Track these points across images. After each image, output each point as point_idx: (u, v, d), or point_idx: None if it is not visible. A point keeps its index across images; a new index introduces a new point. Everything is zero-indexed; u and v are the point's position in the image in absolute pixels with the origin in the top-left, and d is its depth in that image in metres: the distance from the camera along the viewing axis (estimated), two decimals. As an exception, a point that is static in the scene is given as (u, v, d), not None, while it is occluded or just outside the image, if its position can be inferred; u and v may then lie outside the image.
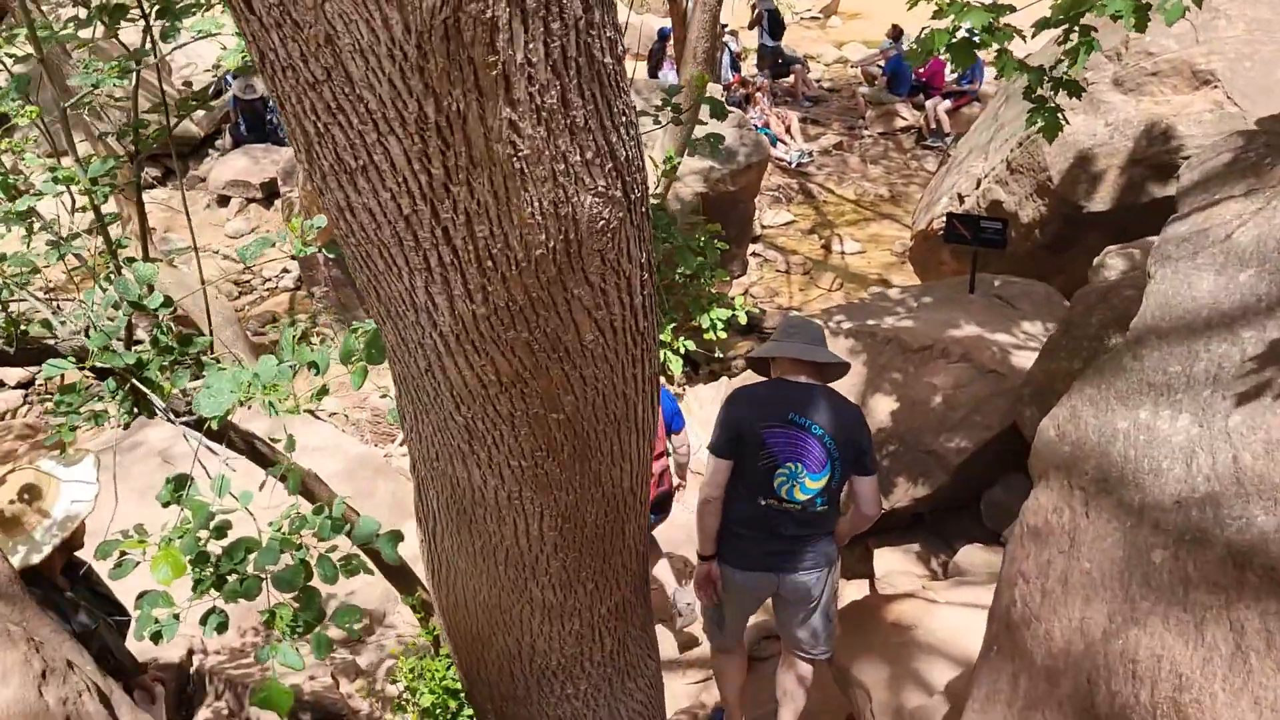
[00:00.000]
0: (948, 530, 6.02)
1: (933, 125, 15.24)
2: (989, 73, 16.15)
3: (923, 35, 4.04)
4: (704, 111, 9.10)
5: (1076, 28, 3.92)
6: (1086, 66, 4.62)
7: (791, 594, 3.66)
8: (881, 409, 5.80)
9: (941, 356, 5.78)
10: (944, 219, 7.98)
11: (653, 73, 15.02)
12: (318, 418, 8.31)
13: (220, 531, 2.89)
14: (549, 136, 1.56)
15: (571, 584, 2.54)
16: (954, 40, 4.00)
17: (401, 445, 7.92)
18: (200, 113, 14.76)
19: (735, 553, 3.62)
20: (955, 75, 15.67)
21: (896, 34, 16.66)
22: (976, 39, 3.94)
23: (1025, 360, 5.75)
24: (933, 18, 4.01)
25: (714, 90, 9.11)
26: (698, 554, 3.74)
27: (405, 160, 1.55)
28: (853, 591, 5.77)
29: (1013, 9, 3.91)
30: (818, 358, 3.57)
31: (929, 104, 15.29)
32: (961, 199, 7.58)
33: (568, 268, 1.77)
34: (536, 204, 1.63)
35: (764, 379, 3.75)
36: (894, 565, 5.82)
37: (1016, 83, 8.61)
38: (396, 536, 3.08)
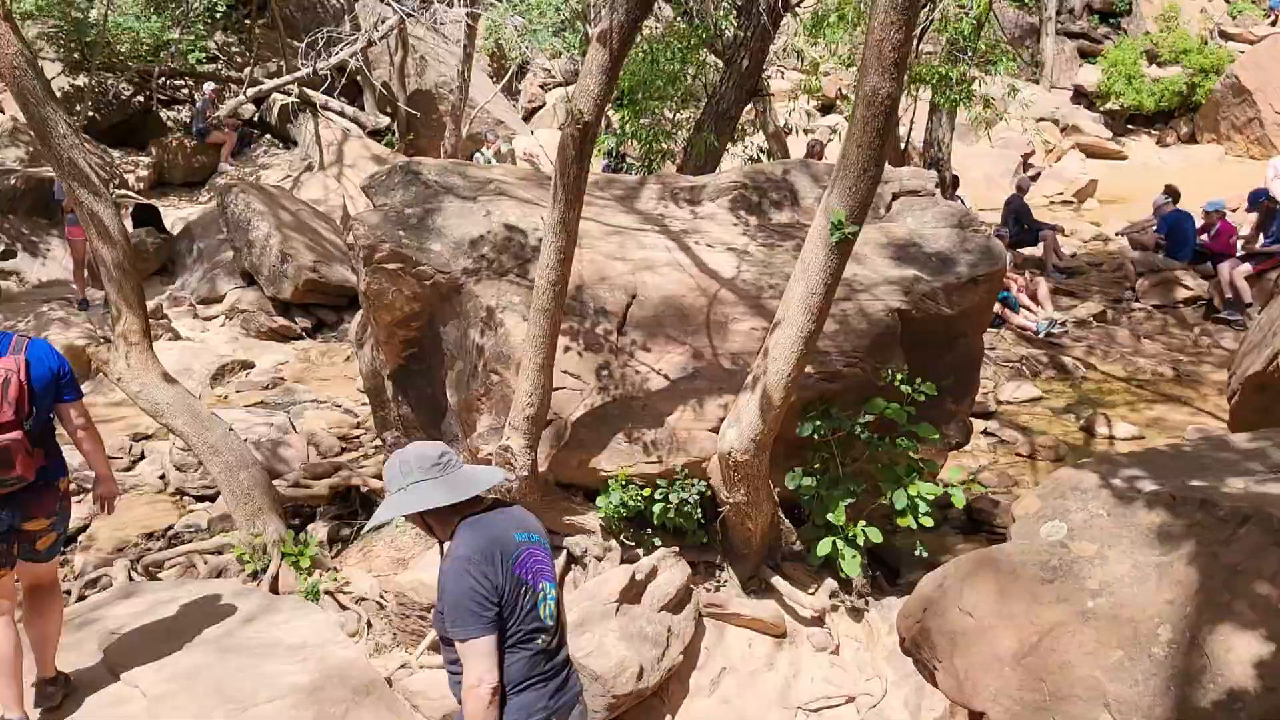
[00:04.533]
0: None
1: (1228, 294, 11.94)
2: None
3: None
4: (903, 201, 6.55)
5: None
6: None
7: None
8: (1237, 657, 2.79)
9: (1369, 556, 2.76)
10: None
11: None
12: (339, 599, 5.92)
13: None
14: None
15: None
16: None
17: (429, 653, 5.36)
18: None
19: (523, 715, 3.05)
20: (1254, 233, 12.49)
21: (1172, 193, 13.71)
22: None
23: None
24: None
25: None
26: None
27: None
28: None
29: None
30: (492, 482, 3.23)
31: (1223, 267, 12.03)
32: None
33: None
34: None
35: (458, 525, 3.11)
36: None
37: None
38: None
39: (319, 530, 6.82)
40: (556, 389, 5.30)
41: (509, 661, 3.04)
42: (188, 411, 5.92)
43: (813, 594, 5.67)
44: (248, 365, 11.04)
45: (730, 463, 5.11)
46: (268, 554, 6.10)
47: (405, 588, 5.53)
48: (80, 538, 7.43)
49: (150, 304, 11.76)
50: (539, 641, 3.07)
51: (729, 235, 6.16)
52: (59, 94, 15.61)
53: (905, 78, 4.34)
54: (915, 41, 9.33)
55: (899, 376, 5.55)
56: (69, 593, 6.34)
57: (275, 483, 6.53)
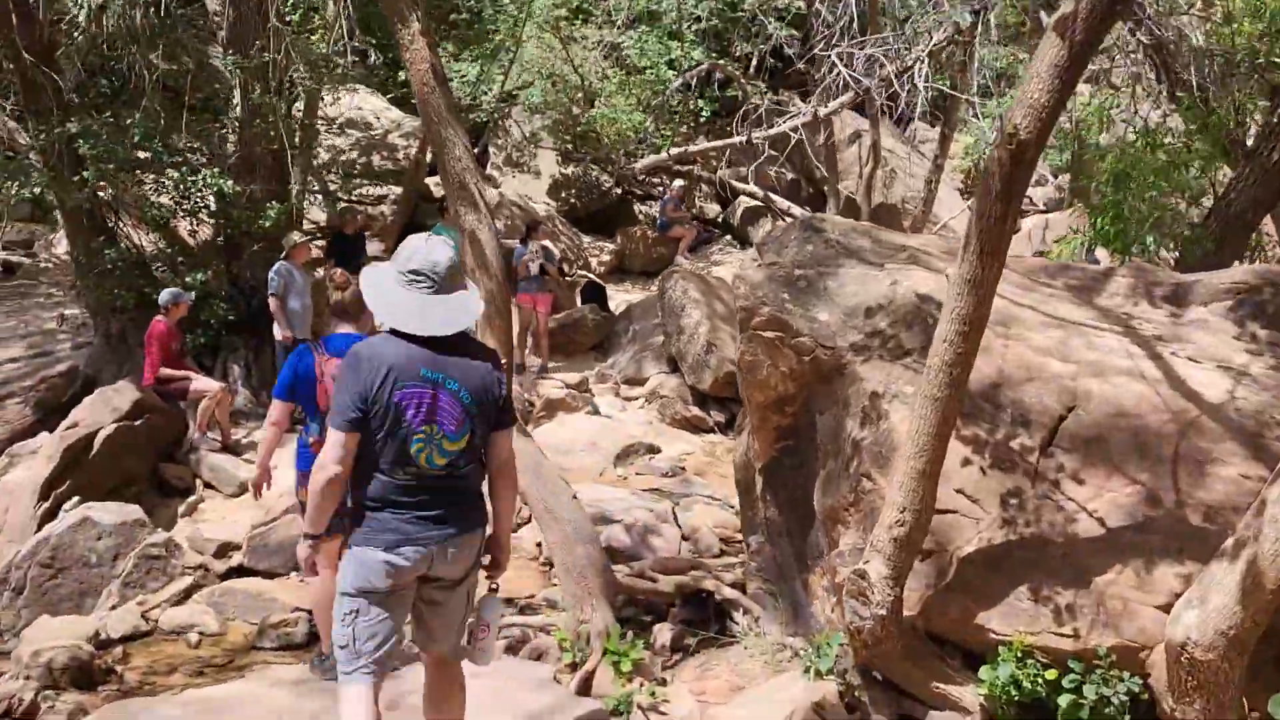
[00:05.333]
0: None
1: None
2: None
3: None
4: None
5: None
6: None
7: (443, 573, 3.26)
8: None
9: None
10: None
11: None
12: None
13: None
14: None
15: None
16: None
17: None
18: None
19: (374, 531, 3.15)
20: None
21: None
22: None
23: None
24: None
25: None
26: (305, 533, 3.31)
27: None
28: None
29: None
30: (447, 329, 3.15)
31: None
32: None
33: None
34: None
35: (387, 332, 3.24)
36: None
37: None
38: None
39: (663, 633, 5.98)
40: (943, 511, 4.04)
41: (371, 477, 3.12)
42: (532, 469, 5.38)
43: None
44: (654, 450, 10.69)
45: (1185, 659, 3.50)
46: (589, 646, 5.35)
47: (719, 724, 4.46)
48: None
49: (578, 376, 11.99)
50: (400, 475, 3.11)
51: (1224, 349, 4.52)
52: (550, 180, 16.96)
53: None
54: None
55: None
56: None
57: (616, 569, 5.81)
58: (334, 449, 3.07)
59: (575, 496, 5.52)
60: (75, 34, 9.38)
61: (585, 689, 5.17)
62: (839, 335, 4.56)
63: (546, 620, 5.69)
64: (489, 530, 3.43)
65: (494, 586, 3.51)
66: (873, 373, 4.41)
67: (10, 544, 7.80)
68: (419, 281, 3.13)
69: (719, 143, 12.04)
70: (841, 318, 4.61)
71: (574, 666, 5.36)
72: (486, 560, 3.46)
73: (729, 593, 6.01)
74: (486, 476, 3.41)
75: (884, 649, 4.02)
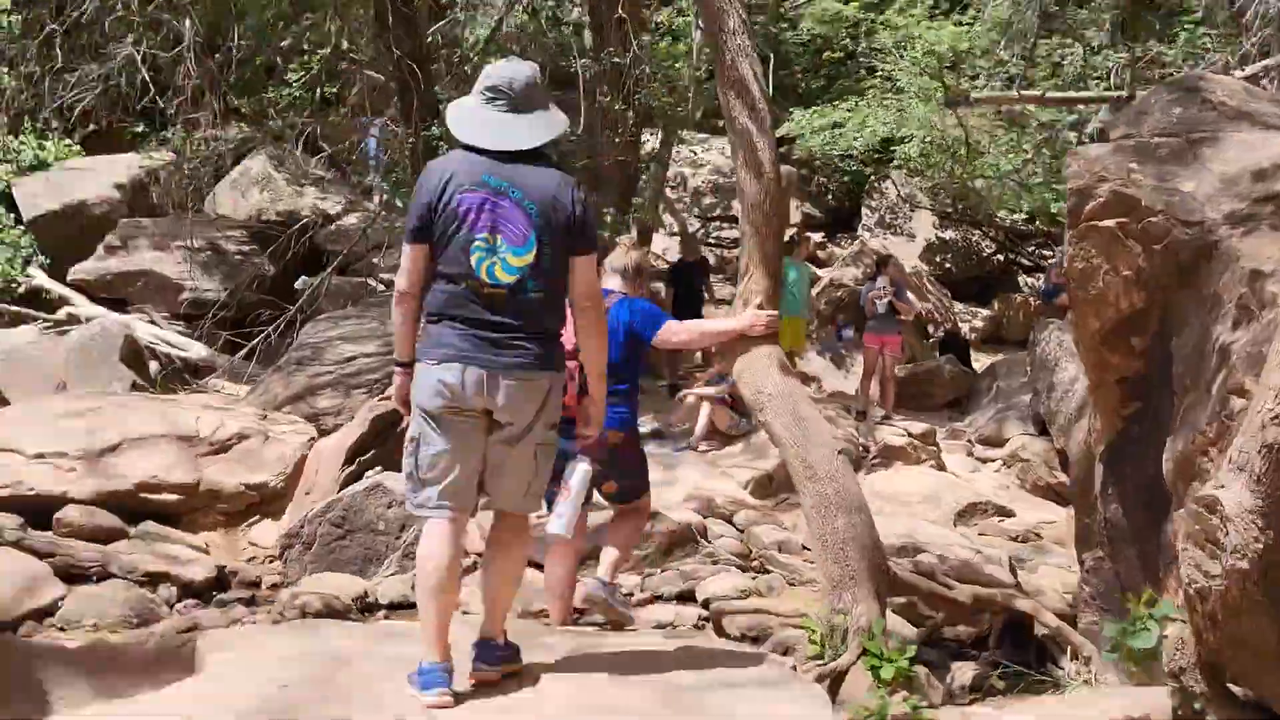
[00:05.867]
0: None
1: None
2: None
3: None
4: None
5: None
6: None
7: (502, 415, 2.99)
8: None
9: None
10: None
11: None
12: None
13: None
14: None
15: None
16: None
17: None
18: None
19: (428, 346, 3.05)
20: None
21: None
22: None
23: None
24: None
25: None
26: (396, 361, 3.21)
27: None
28: None
29: None
30: (521, 145, 3.07)
31: None
32: None
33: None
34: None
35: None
36: None
37: None
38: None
39: (963, 672, 4.74)
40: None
41: (434, 288, 3.06)
42: (792, 413, 4.33)
43: None
44: (1005, 513, 9.16)
45: None
46: (845, 643, 4.17)
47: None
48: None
49: (922, 427, 10.63)
50: (463, 285, 3.00)
51: None
52: (925, 243, 15.79)
53: None
54: None
55: None
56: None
57: (898, 562, 4.59)
58: (403, 263, 3.10)
59: (842, 453, 4.39)
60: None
61: (835, 689, 3.99)
62: (1208, 206, 3.20)
63: (797, 608, 4.59)
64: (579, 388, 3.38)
65: (581, 452, 3.37)
66: (1257, 247, 3.01)
67: (317, 503, 7.98)
68: (496, 100, 3.09)
69: (1087, 94, 10.07)
70: (1216, 185, 3.24)
71: (822, 664, 4.21)
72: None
73: (1050, 620, 4.57)
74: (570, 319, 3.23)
75: (1243, 630, 2.56)
